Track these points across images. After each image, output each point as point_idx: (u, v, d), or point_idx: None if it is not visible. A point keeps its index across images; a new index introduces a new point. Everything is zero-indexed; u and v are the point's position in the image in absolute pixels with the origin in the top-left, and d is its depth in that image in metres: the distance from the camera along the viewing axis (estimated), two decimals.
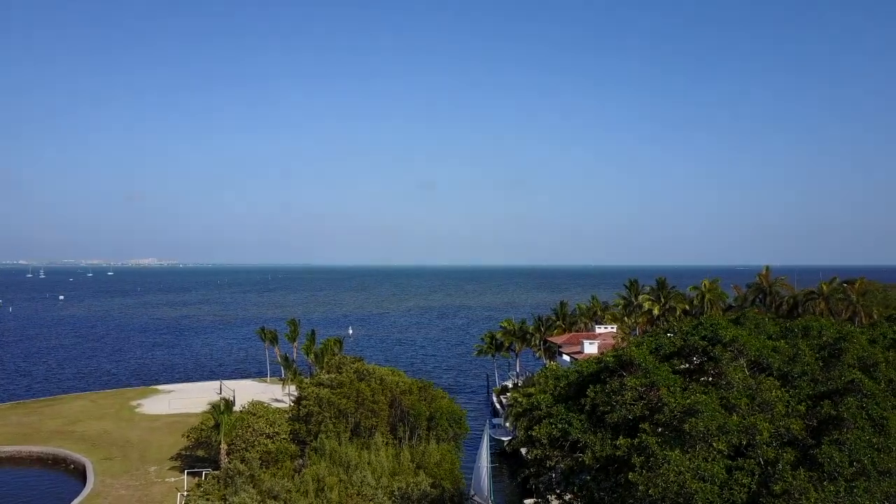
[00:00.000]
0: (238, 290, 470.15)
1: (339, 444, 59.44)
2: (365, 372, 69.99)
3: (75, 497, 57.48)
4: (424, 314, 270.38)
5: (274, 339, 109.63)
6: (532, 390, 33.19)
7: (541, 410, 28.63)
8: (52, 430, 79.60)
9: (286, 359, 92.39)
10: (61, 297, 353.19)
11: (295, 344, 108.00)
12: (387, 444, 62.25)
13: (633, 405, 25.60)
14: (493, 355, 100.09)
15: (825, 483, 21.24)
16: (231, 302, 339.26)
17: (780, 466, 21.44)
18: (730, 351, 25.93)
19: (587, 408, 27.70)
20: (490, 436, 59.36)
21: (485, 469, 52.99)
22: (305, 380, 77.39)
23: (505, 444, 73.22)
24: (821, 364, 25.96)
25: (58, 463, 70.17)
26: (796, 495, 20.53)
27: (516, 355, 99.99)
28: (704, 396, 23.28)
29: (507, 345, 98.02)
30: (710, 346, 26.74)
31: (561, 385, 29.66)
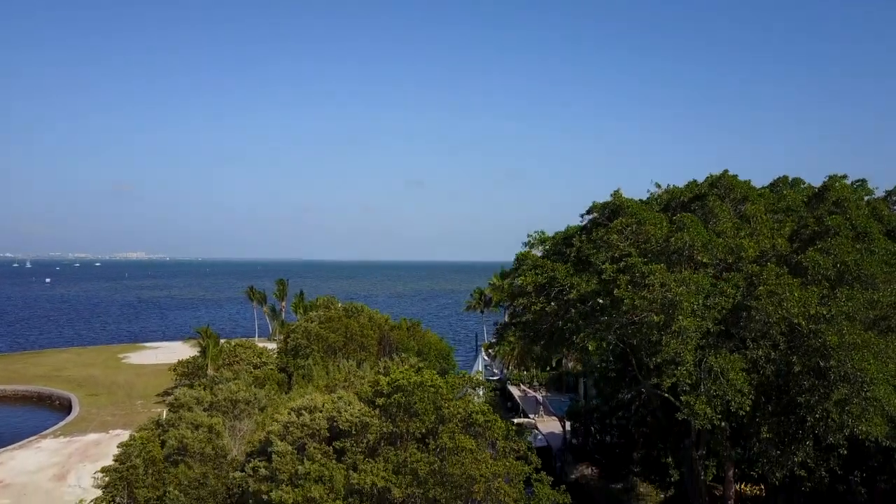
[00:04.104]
0: (224, 277, 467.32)
1: (328, 374, 59.28)
2: (354, 309, 69.83)
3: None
4: (413, 296, 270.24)
5: (262, 299, 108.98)
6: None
7: (527, 265, 28.71)
8: (36, 374, 78.83)
9: (273, 309, 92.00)
10: (48, 280, 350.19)
11: (283, 303, 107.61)
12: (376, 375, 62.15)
13: (619, 246, 25.60)
14: (481, 311, 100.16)
15: (809, 287, 21.46)
16: (217, 286, 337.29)
17: (765, 275, 21.60)
18: (717, 191, 26.11)
19: (572, 256, 27.86)
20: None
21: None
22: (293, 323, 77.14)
23: (494, 383, 73.45)
24: (805, 201, 26.26)
25: (42, 400, 69.60)
26: (780, 292, 20.70)
27: (504, 313, 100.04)
28: (690, 215, 23.43)
29: (495, 300, 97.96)
30: (697, 192, 26.93)
31: (548, 245, 29.75)
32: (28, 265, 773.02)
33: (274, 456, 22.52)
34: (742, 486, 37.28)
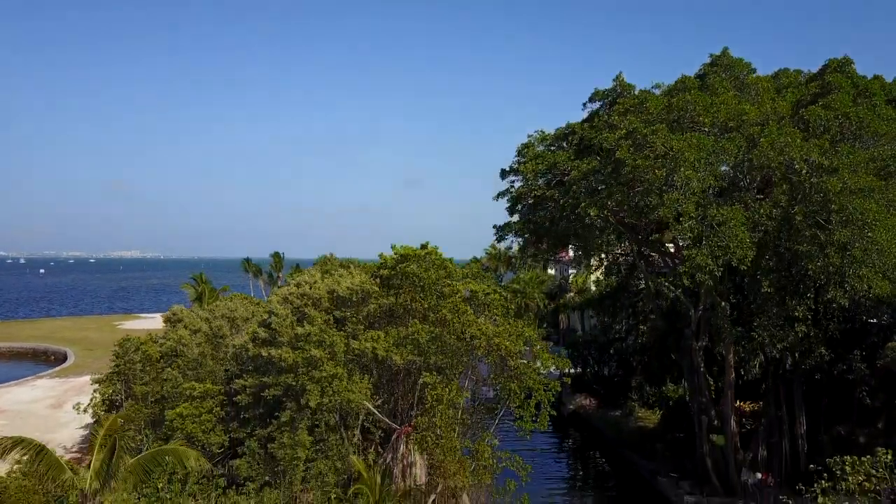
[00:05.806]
0: (219, 272, 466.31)
1: None
2: (350, 266, 69.71)
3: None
4: None
5: (258, 272, 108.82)
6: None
7: (528, 155, 28.66)
8: (32, 335, 78.36)
9: (271, 276, 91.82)
10: (42, 271, 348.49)
11: (279, 273, 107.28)
12: None
13: (621, 126, 25.47)
14: None
15: (811, 139, 21.44)
16: (214, 278, 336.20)
17: (766, 129, 21.58)
18: (717, 69, 26.05)
19: (574, 143, 27.82)
20: None
21: None
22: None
23: None
24: (806, 81, 26.25)
25: (38, 355, 69.18)
26: (782, 140, 20.67)
27: (500, 280, 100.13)
28: (691, 78, 23.31)
29: (492, 269, 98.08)
30: (697, 74, 26.89)
31: (549, 141, 29.67)
32: (22, 261, 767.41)
33: (273, 319, 22.37)
34: (741, 404, 37.33)
